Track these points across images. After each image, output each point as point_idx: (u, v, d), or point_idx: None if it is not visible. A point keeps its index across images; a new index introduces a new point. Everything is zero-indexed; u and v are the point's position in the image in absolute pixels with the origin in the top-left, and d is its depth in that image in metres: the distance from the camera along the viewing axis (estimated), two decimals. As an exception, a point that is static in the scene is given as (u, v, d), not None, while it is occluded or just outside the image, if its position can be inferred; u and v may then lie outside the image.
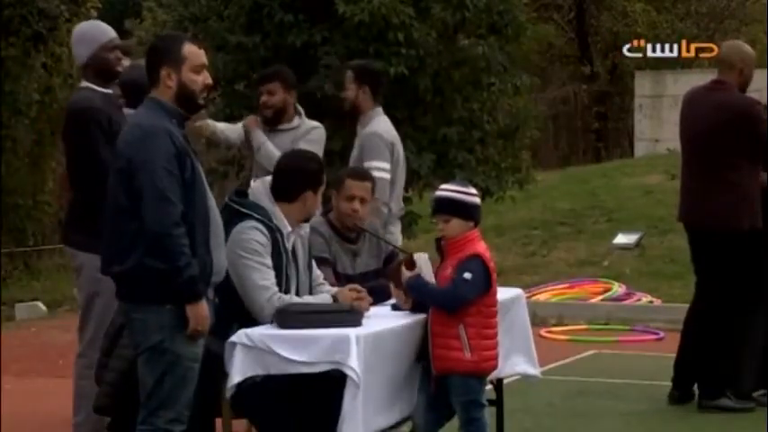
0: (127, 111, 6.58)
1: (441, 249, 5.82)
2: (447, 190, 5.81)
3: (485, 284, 5.66)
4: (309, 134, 7.51)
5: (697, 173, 7.91)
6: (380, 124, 7.56)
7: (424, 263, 5.76)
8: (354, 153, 7.59)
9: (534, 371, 6.67)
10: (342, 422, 5.16)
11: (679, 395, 7.97)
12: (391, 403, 5.58)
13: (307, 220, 5.84)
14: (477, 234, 5.78)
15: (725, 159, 7.69)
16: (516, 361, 6.54)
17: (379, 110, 7.62)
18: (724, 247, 7.74)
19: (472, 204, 5.76)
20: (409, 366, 5.73)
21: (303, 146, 7.12)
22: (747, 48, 8.03)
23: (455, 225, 5.73)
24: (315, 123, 7.67)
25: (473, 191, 5.83)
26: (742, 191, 7.68)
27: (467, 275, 5.62)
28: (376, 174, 7.13)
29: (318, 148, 7.29)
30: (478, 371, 5.72)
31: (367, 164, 7.32)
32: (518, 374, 6.67)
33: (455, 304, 5.63)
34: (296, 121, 7.56)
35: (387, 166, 7.42)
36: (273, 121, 7.50)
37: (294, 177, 5.76)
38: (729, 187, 7.68)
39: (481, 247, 5.73)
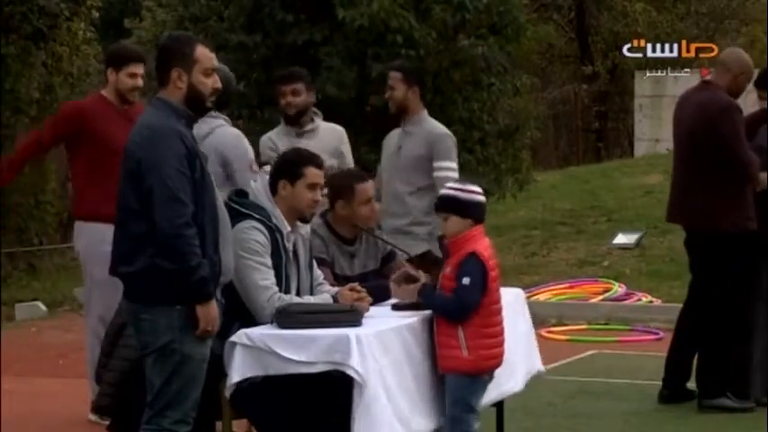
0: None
1: (443, 248, 5.85)
2: (448, 188, 5.85)
3: (484, 284, 5.65)
4: (344, 137, 7.78)
5: (683, 172, 7.95)
6: (441, 126, 7.78)
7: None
8: (391, 150, 7.72)
9: (540, 368, 6.72)
10: (354, 422, 5.15)
11: (668, 394, 8.00)
12: (417, 404, 5.55)
13: (303, 219, 5.81)
14: (479, 231, 5.76)
15: (707, 159, 7.70)
16: (519, 361, 6.56)
17: (425, 111, 7.79)
18: (708, 247, 7.77)
19: (469, 202, 5.73)
20: (423, 367, 5.69)
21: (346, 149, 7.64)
22: (747, 57, 8.01)
23: (453, 222, 5.73)
24: (336, 125, 7.86)
25: (474, 189, 5.80)
26: (725, 191, 7.67)
27: (465, 281, 5.60)
28: (449, 174, 7.45)
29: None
30: (476, 369, 5.68)
31: (439, 164, 7.52)
32: (524, 374, 6.68)
33: (463, 313, 5.63)
34: (316, 121, 7.71)
35: (456, 165, 7.62)
36: (294, 121, 7.62)
37: (273, 168, 5.82)
38: (712, 187, 7.69)
39: (481, 245, 5.71)
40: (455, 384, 5.68)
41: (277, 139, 7.63)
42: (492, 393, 5.97)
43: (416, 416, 5.53)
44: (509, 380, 6.25)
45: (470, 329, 5.64)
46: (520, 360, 6.44)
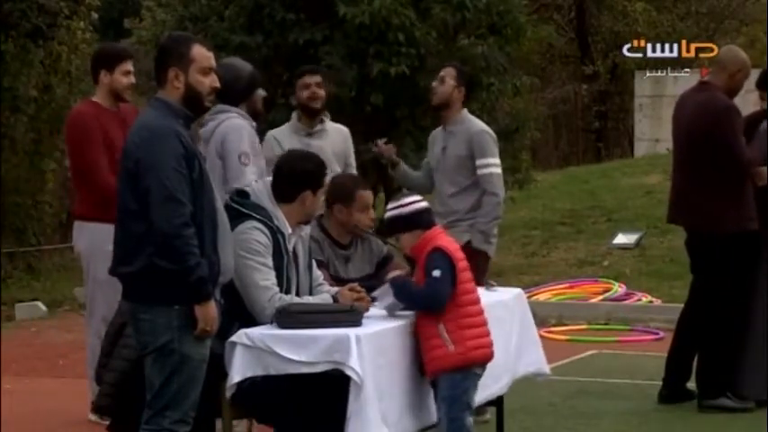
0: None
1: (408, 260, 5.86)
2: (389, 210, 5.82)
3: (453, 275, 5.62)
4: (350, 138, 7.89)
5: (683, 173, 7.95)
6: (480, 123, 7.85)
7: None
8: (437, 152, 7.76)
9: (545, 369, 6.71)
10: (348, 422, 5.15)
11: (668, 394, 8.00)
12: (404, 406, 5.55)
13: (307, 222, 5.83)
14: (436, 232, 5.74)
15: (706, 159, 7.68)
16: (527, 361, 6.56)
17: (466, 110, 7.85)
18: (709, 247, 7.76)
19: (410, 214, 5.72)
20: (416, 369, 5.68)
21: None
22: (744, 54, 7.99)
23: (405, 239, 5.75)
24: (341, 126, 7.92)
25: (409, 200, 5.78)
26: (725, 191, 7.66)
27: (436, 273, 5.58)
28: (493, 170, 7.59)
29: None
30: (467, 361, 5.60)
31: (482, 161, 7.60)
32: (531, 374, 6.68)
33: (436, 303, 5.58)
34: (326, 122, 7.77)
35: (498, 161, 7.70)
36: (316, 114, 7.68)
37: (293, 178, 5.75)
38: (712, 187, 7.67)
39: (443, 241, 5.70)
40: (448, 384, 5.60)
41: (282, 138, 7.63)
42: (479, 395, 5.88)
43: (405, 416, 5.53)
44: (497, 381, 6.19)
45: (451, 322, 5.58)
46: (510, 361, 6.40)
